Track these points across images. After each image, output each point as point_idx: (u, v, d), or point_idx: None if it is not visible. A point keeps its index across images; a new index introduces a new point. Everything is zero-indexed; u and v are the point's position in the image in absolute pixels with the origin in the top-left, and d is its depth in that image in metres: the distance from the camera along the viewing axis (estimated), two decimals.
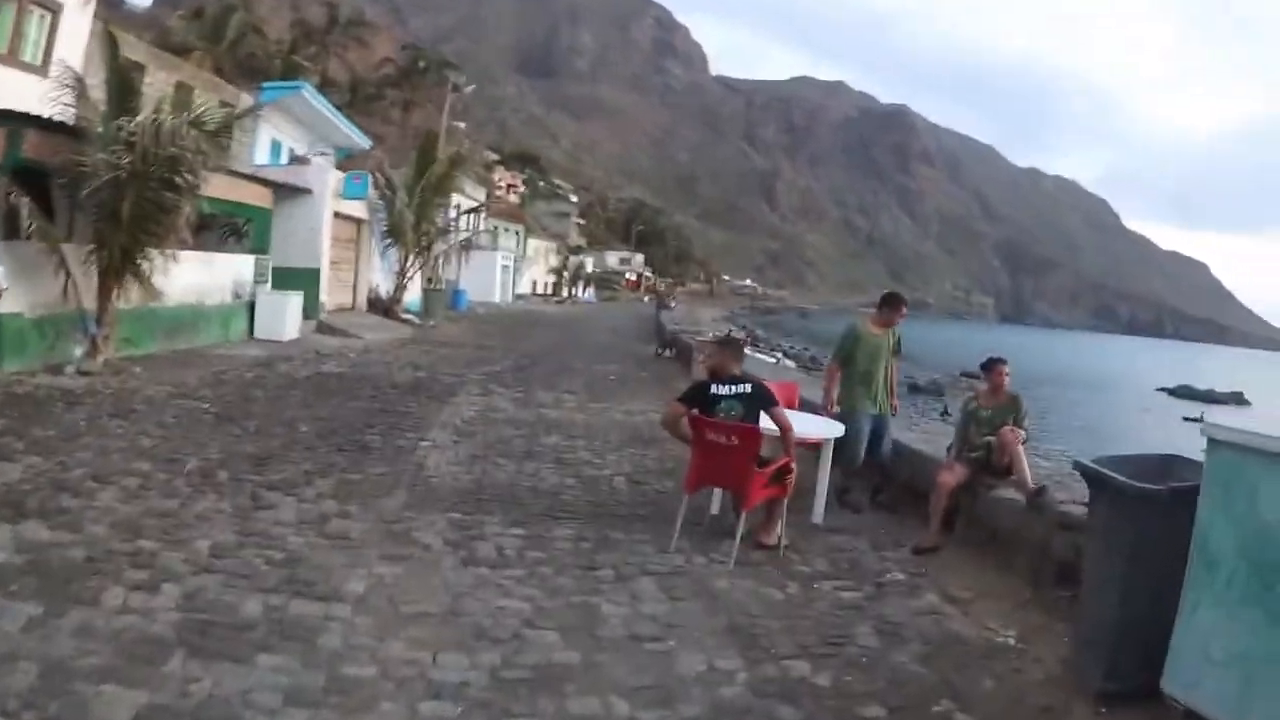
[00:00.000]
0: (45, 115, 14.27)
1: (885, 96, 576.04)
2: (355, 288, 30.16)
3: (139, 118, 14.25)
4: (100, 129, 14.27)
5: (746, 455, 7.16)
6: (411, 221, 31.11)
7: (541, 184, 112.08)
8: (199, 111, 15.53)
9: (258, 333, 21.25)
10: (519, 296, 64.19)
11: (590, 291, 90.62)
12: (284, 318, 21.46)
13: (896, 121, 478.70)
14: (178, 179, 14.52)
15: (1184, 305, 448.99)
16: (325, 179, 26.07)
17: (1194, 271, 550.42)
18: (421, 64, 64.94)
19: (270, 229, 23.09)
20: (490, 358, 22.15)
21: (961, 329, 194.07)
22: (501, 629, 5.48)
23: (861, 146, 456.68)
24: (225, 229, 21.48)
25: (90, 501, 7.42)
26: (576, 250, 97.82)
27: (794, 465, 7.57)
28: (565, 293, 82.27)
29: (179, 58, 29.92)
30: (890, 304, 9.74)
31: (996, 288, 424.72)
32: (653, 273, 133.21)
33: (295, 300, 22.11)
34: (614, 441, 12.22)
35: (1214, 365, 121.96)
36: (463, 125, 63.92)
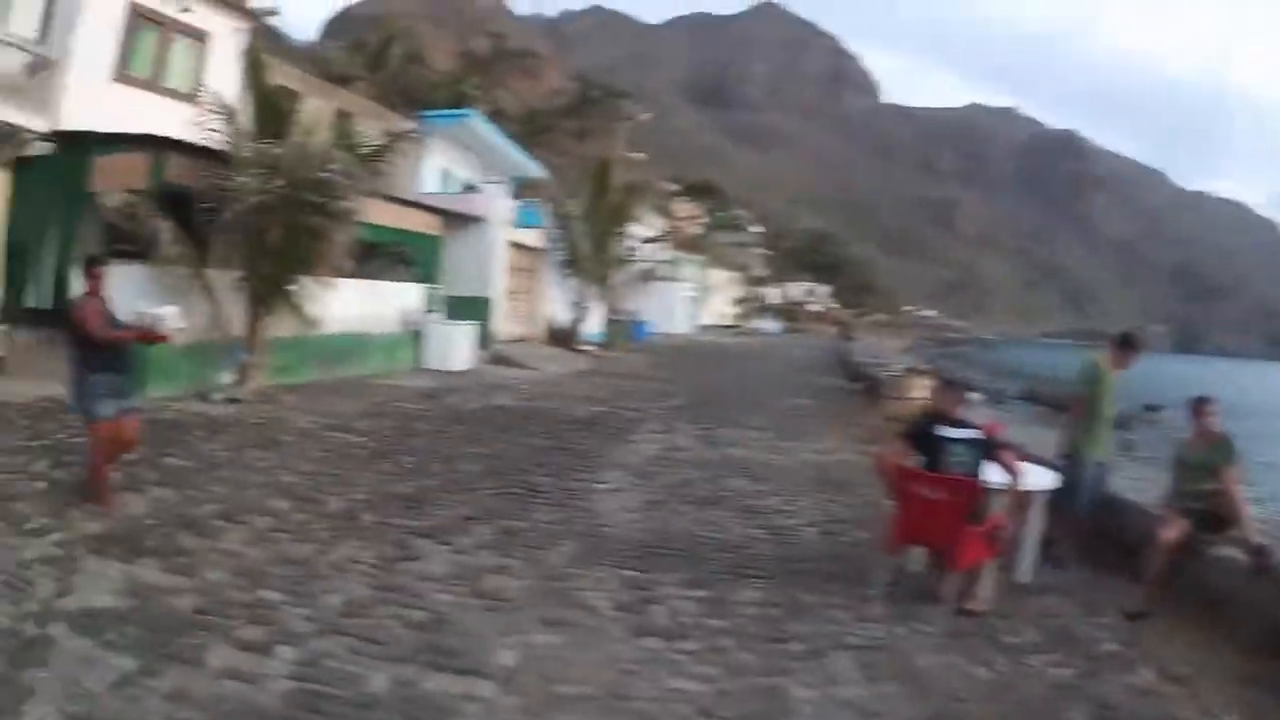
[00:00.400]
0: (189, 140, 13.77)
1: (1052, 122, 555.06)
2: (532, 318, 29.17)
3: (285, 141, 13.60)
4: (246, 153, 13.60)
5: (962, 511, 6.43)
6: (589, 251, 29.82)
7: (721, 215, 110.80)
8: (351, 136, 14.61)
9: (427, 363, 20.39)
10: (702, 328, 62.69)
11: (773, 323, 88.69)
12: (454, 348, 20.52)
13: (1066, 147, 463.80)
14: (329, 204, 13.79)
15: None
16: (498, 207, 25.08)
17: None
18: (593, 93, 64.11)
19: (440, 257, 22.33)
20: (672, 391, 20.53)
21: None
22: (672, 718, 4.67)
23: (1033, 173, 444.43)
24: (392, 257, 20.55)
25: (214, 542, 6.83)
26: (759, 281, 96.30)
27: (1007, 521, 6.88)
28: (748, 324, 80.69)
29: (339, 86, 29.30)
30: (1132, 345, 8.52)
31: (1169, 316, 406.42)
32: (835, 304, 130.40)
33: (467, 330, 21.11)
34: (804, 485, 10.72)
35: None
36: (642, 156, 62.86)
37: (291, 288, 14.24)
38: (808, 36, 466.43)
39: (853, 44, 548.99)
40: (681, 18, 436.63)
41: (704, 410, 17.21)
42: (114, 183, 13.93)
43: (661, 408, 17.12)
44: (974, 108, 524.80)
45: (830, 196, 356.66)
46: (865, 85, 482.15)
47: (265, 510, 7.77)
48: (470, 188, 27.50)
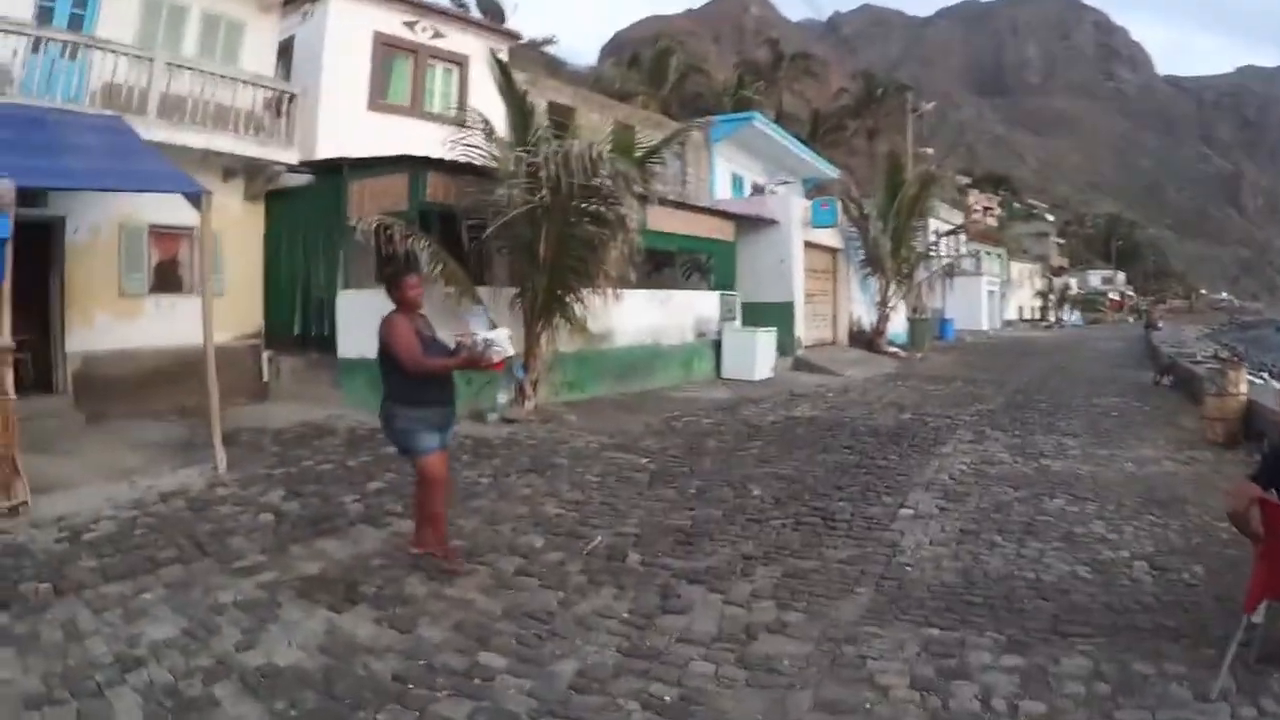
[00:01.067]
0: (447, 158, 13.41)
1: None
2: (834, 321, 27.76)
3: (546, 148, 12.70)
4: (509, 165, 12.93)
5: None
6: (888, 248, 28.29)
7: (1016, 205, 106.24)
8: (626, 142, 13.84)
9: (725, 373, 19.44)
10: (1006, 323, 60.21)
11: (1075, 314, 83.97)
12: (753, 356, 19.39)
13: None
14: (602, 211, 13.07)
15: None
16: (790, 208, 23.82)
17: None
18: (878, 90, 62.03)
19: (734, 263, 21.42)
20: (981, 393, 18.46)
21: None
22: None
23: None
24: (686, 265, 19.73)
25: (443, 588, 6.05)
26: (1059, 272, 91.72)
27: None
28: (1051, 317, 76.93)
29: (618, 101, 28.95)
30: None
31: None
32: (1133, 290, 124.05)
33: (766, 337, 19.96)
34: (1128, 505, 8.75)
35: None
36: (930, 151, 60.22)
37: (570, 301, 13.52)
38: (1075, 14, 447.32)
39: (1121, 18, 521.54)
40: (950, 8, 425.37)
41: (1015, 414, 15.35)
42: (372, 207, 13.61)
43: (971, 413, 15.37)
44: (1247, 70, 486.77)
45: (1118, 178, 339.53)
46: (1138, 59, 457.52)
47: (515, 548, 6.95)
48: (759, 189, 26.51)
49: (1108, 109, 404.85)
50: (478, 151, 13.27)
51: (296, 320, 14.77)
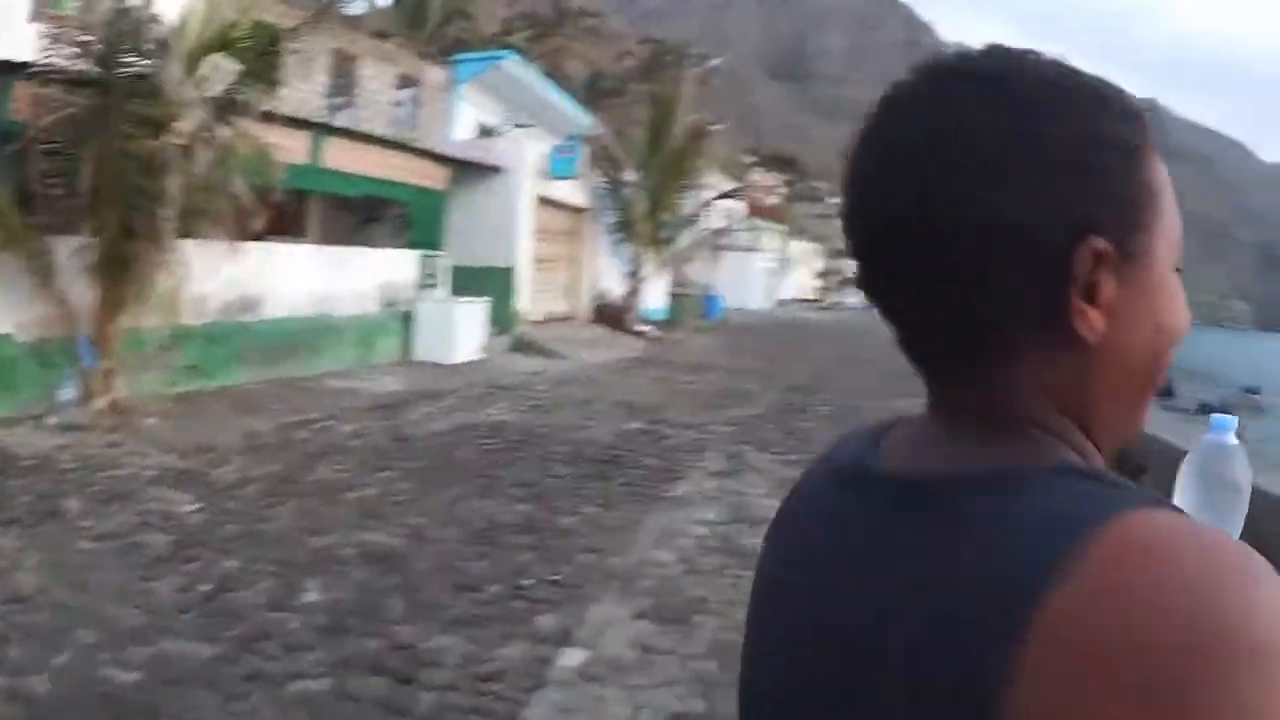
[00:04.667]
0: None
1: (1135, 91, 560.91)
2: (574, 291, 24.17)
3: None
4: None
5: None
6: (645, 209, 24.54)
7: (800, 185, 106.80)
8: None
9: (418, 354, 15.60)
10: (781, 303, 58.40)
11: (856, 297, 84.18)
12: (455, 332, 15.64)
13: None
14: (162, 116, 8.89)
15: None
16: (523, 154, 19.81)
17: None
18: (666, 56, 59.06)
19: (443, 218, 17.56)
20: (746, 390, 15.11)
21: (1223, 336, 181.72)
22: None
23: None
24: (375, 216, 15.79)
25: None
26: (840, 254, 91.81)
27: None
28: (830, 299, 76.47)
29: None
30: None
31: (1253, 293, 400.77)
32: None
33: (474, 310, 16.29)
34: None
35: None
36: (720, 125, 57.92)
37: (144, 254, 9.28)
38: (888, 8, 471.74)
39: (930, 15, 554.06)
40: None
41: (788, 423, 11.93)
42: None
43: (728, 421, 11.83)
44: None
45: None
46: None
47: None
48: (488, 131, 22.63)
49: None
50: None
51: None
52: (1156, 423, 10.82)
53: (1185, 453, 1.47)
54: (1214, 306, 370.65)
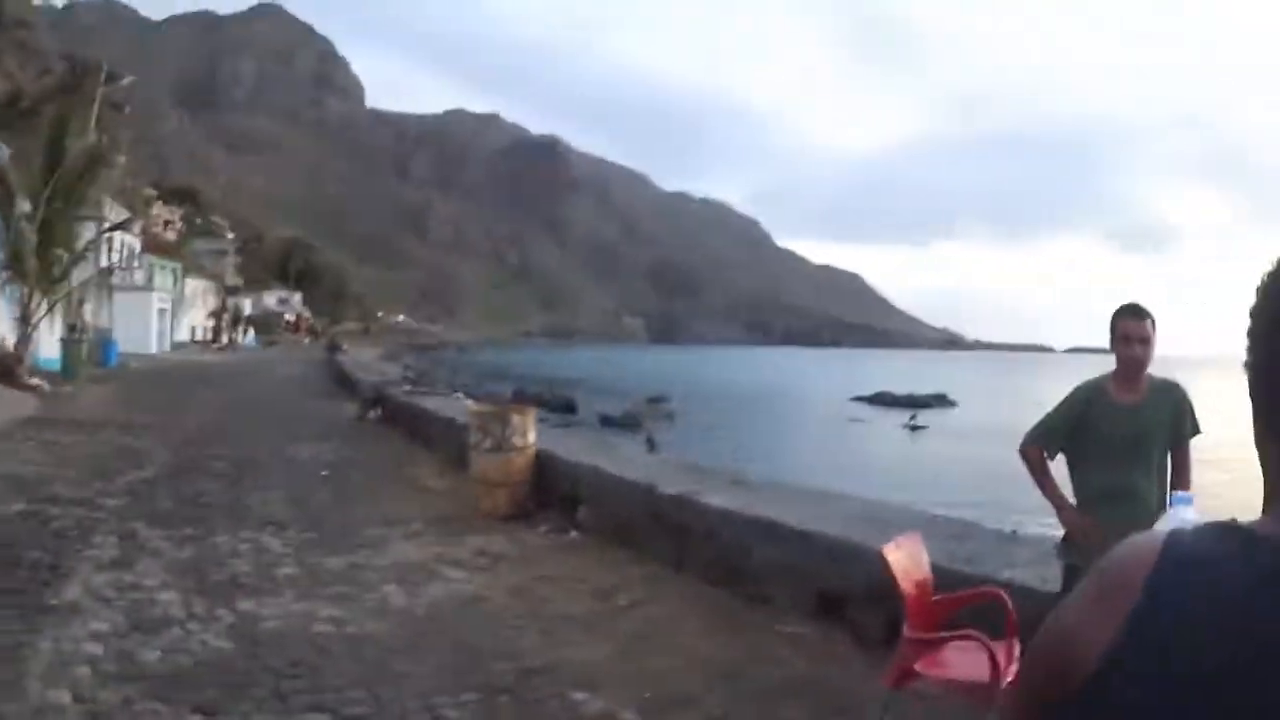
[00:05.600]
0: None
1: (538, 128, 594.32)
2: None
3: None
4: None
5: None
6: (34, 244, 21.68)
7: (199, 220, 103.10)
8: None
9: None
10: (177, 345, 55.56)
11: (251, 335, 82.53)
12: None
13: (547, 152, 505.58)
14: None
15: (842, 314, 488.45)
16: None
17: (848, 282, 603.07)
18: (84, 76, 53.77)
19: None
20: (141, 448, 13.49)
21: (618, 351, 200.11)
22: None
23: (512, 178, 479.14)
24: None
25: None
26: (234, 290, 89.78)
27: None
28: (226, 338, 74.65)
29: None
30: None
31: (647, 309, 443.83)
32: (310, 313, 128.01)
33: None
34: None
35: (891, 368, 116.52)
36: (123, 159, 53.46)
37: None
38: (302, 39, 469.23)
39: (348, 48, 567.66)
40: (183, 15, 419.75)
41: (185, 486, 10.54)
42: None
43: (122, 489, 10.19)
44: (456, 113, 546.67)
45: (305, 202, 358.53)
46: (350, 89, 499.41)
47: None
48: None
49: (307, 134, 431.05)
50: None
51: None
52: (547, 437, 10.96)
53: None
54: (609, 323, 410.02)
